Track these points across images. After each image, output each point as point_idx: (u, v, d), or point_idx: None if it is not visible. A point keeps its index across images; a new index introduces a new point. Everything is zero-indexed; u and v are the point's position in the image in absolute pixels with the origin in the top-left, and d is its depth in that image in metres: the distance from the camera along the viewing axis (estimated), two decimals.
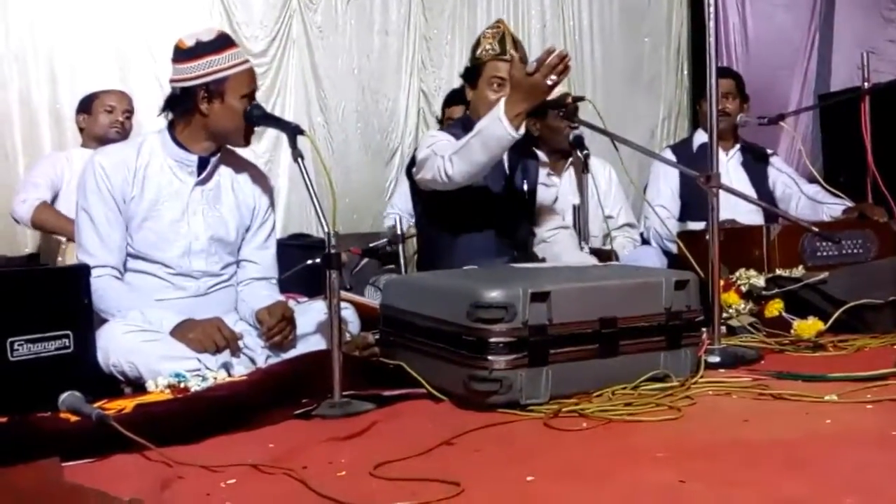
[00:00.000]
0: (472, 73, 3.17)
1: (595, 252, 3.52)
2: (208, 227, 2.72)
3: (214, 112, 2.63)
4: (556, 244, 3.29)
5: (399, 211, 4.16)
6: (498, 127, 2.76)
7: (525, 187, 3.23)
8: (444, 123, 4.33)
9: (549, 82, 2.72)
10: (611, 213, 3.98)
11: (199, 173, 2.71)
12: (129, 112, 3.95)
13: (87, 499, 1.55)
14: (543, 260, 3.25)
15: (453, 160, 2.87)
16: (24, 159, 4.36)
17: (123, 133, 3.86)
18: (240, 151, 2.88)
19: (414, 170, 3.13)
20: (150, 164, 2.68)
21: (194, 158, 2.70)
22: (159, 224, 2.66)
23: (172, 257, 2.68)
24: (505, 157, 3.19)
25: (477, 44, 3.20)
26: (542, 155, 3.56)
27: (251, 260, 2.84)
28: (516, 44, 3.15)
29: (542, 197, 3.31)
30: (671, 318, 2.36)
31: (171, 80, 2.68)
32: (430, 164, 2.97)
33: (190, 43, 2.63)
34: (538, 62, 2.70)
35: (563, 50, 2.74)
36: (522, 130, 2.79)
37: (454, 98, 4.41)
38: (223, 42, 2.66)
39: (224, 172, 2.78)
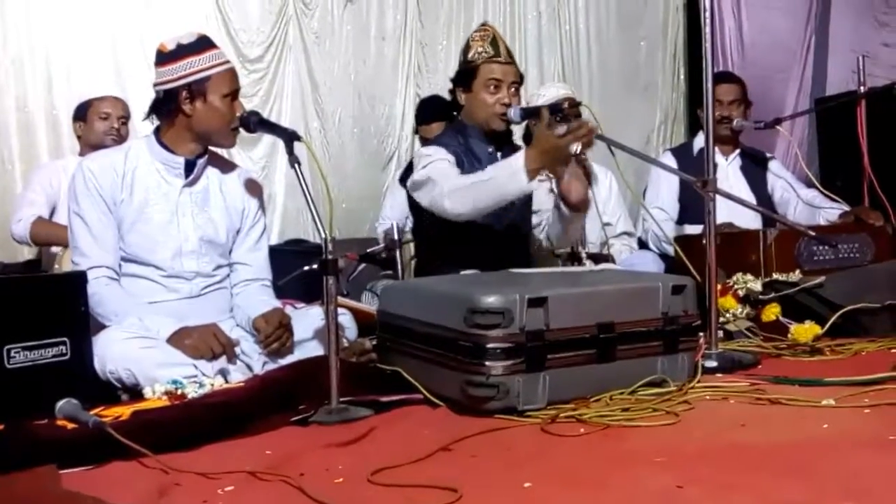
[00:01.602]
0: (466, 77, 3.18)
1: (592, 257, 3.51)
2: (198, 228, 2.73)
3: (197, 112, 2.66)
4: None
5: (391, 220, 4.15)
6: (515, 180, 2.80)
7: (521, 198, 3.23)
8: (422, 140, 4.33)
9: (572, 150, 2.77)
10: (609, 221, 3.97)
11: (187, 176, 2.73)
12: (125, 118, 3.95)
13: None
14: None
15: (453, 198, 2.91)
16: (21, 165, 4.37)
17: (119, 140, 3.85)
18: (227, 155, 2.89)
19: (409, 186, 3.15)
20: (138, 167, 2.70)
21: (181, 161, 2.72)
22: (149, 226, 2.68)
23: (164, 259, 2.69)
24: (500, 157, 3.19)
25: (467, 47, 3.21)
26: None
27: (243, 262, 2.85)
28: (509, 51, 3.19)
29: (538, 193, 3.31)
30: (668, 323, 2.36)
31: (155, 84, 2.72)
32: (426, 190, 3.01)
33: (171, 46, 2.67)
34: (569, 129, 2.76)
35: (595, 125, 2.82)
36: (535, 184, 2.83)
37: (428, 113, 4.38)
38: (203, 43, 2.70)
39: (212, 175, 2.80)
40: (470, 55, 3.18)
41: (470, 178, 2.94)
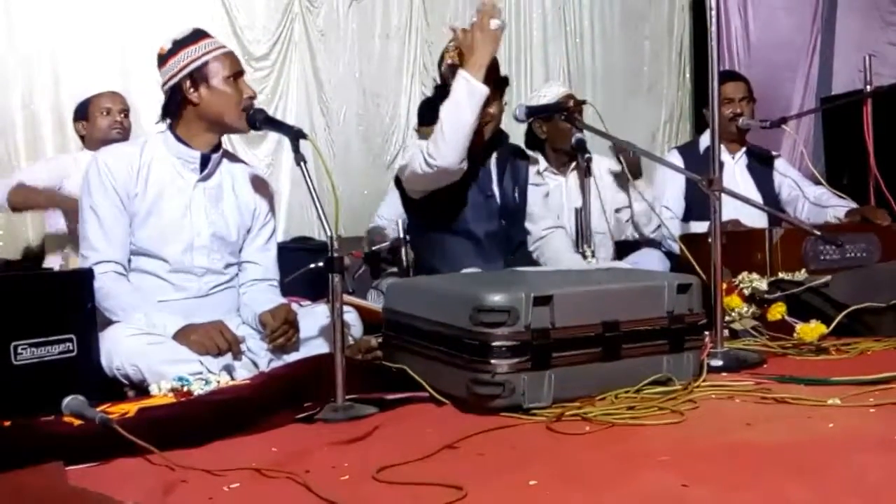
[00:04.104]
0: (443, 92, 3.10)
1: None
2: (210, 224, 2.74)
3: (203, 98, 2.68)
4: (551, 242, 3.28)
5: (387, 220, 4.14)
6: (462, 87, 2.84)
7: (515, 189, 3.23)
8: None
9: (493, 27, 2.86)
10: (619, 207, 3.94)
11: (202, 171, 2.73)
12: (126, 111, 3.97)
13: (91, 503, 1.55)
14: (537, 261, 3.24)
15: (431, 151, 2.89)
16: (27, 162, 4.38)
17: (124, 132, 3.88)
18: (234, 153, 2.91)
19: (398, 173, 3.15)
20: (154, 161, 2.71)
21: (197, 154, 2.73)
22: (162, 220, 2.68)
23: (174, 253, 2.69)
24: (493, 160, 3.18)
25: (441, 59, 3.19)
26: (532, 154, 3.56)
27: (252, 261, 2.86)
28: None
29: (533, 197, 3.30)
30: (674, 322, 2.36)
31: (161, 86, 2.75)
32: (412, 160, 2.99)
33: (168, 45, 2.71)
34: (478, 10, 2.86)
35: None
36: (486, 89, 2.86)
37: (429, 115, 4.35)
38: (198, 34, 2.73)
39: (225, 173, 2.81)
40: (443, 69, 3.16)
41: (440, 121, 2.91)
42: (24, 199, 3.74)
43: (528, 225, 3.30)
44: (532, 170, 3.36)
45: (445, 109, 2.89)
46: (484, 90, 2.86)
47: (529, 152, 3.53)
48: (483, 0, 2.92)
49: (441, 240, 3.13)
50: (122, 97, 3.99)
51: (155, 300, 2.65)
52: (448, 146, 2.87)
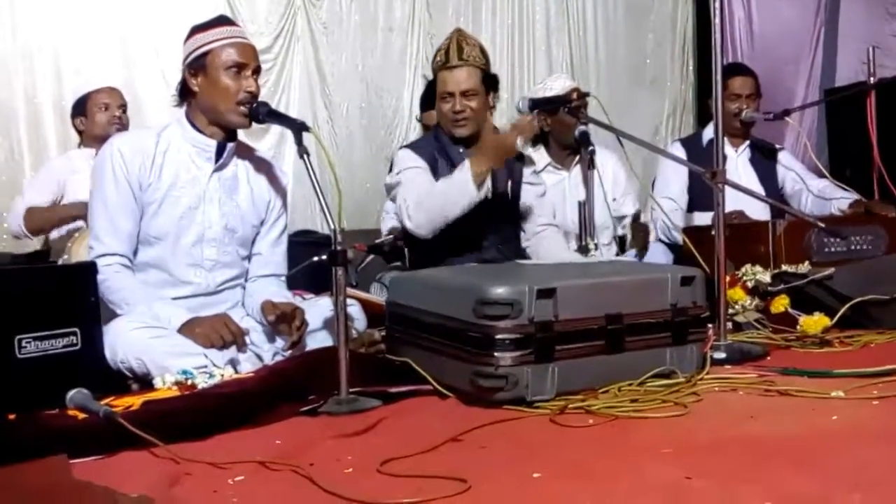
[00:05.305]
0: (430, 90, 3.23)
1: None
2: (223, 216, 2.72)
3: (201, 88, 2.65)
4: (544, 240, 3.30)
5: (395, 215, 4.14)
6: (466, 192, 2.92)
7: (509, 187, 3.23)
8: (424, 128, 4.34)
9: (518, 145, 2.95)
10: (614, 197, 3.94)
11: (217, 160, 2.71)
12: (124, 106, 3.96)
13: (95, 496, 1.56)
14: (530, 258, 3.25)
15: (411, 214, 3.00)
16: (30, 156, 4.38)
17: (123, 128, 3.87)
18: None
19: (385, 187, 3.25)
20: (169, 150, 2.68)
21: (212, 143, 2.69)
22: (175, 209, 2.66)
23: (185, 244, 2.67)
24: None
25: (435, 57, 3.24)
26: (531, 153, 3.56)
27: (262, 254, 2.84)
28: (461, 52, 3.14)
29: (528, 196, 3.30)
30: (677, 315, 2.36)
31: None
32: (396, 200, 3.10)
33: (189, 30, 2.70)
34: (513, 125, 2.95)
35: (534, 118, 3.08)
36: (484, 190, 2.94)
37: (429, 100, 4.38)
38: (215, 21, 2.71)
39: (241, 165, 2.79)
40: (433, 65, 3.23)
41: (428, 192, 3.00)
42: (41, 220, 3.74)
43: (522, 222, 3.30)
44: (528, 171, 3.34)
45: (440, 189, 2.98)
46: (478, 197, 2.93)
47: (529, 151, 3.51)
48: (527, 118, 3.03)
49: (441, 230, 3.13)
50: (119, 93, 3.99)
51: (161, 294, 2.64)
52: (427, 220, 3.00)
